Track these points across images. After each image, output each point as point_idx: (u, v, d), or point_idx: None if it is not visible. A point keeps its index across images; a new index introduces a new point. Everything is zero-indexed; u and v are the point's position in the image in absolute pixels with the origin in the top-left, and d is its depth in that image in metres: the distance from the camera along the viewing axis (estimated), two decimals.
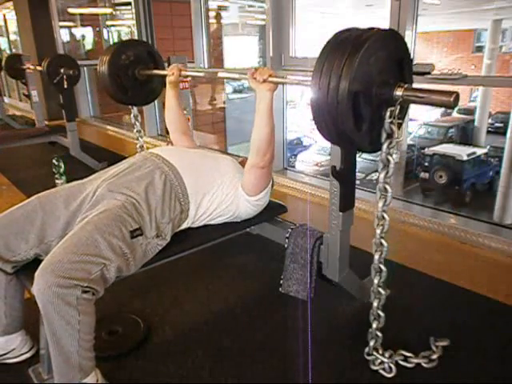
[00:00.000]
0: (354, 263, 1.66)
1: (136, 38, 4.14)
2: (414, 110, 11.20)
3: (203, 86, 7.70)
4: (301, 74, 2.60)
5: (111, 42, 5.57)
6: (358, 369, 1.40)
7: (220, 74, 1.69)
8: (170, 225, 1.43)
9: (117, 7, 5.62)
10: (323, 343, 1.51)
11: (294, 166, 8.72)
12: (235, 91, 9.74)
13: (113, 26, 5.71)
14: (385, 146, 1.14)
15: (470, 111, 11.60)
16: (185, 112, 2.24)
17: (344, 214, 1.53)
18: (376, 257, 1.32)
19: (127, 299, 1.80)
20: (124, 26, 5.88)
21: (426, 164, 8.54)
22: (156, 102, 4.31)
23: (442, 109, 13.23)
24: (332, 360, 1.44)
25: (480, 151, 8.71)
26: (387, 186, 1.20)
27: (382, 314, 1.36)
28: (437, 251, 1.95)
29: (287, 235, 1.72)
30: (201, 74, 2.00)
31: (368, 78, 1.03)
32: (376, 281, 1.33)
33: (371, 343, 1.39)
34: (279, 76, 1.46)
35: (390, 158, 1.16)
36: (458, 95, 0.99)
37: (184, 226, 1.52)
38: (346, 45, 1.02)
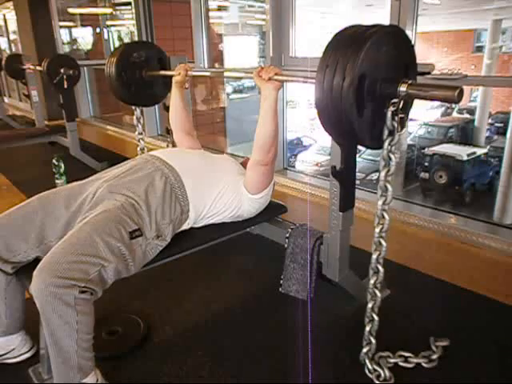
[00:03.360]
0: (353, 263, 1.66)
1: (136, 38, 4.14)
2: (414, 110, 11.20)
3: (203, 86, 7.69)
4: (301, 75, 2.60)
5: (111, 42, 5.56)
6: (358, 369, 1.39)
7: (226, 74, 1.68)
8: (170, 226, 1.43)
9: (117, 7, 5.62)
10: (323, 343, 1.51)
11: (294, 166, 8.72)
12: (235, 91, 9.75)
13: (113, 25, 5.70)
14: (386, 143, 1.13)
15: (470, 111, 11.60)
16: None
17: (344, 214, 1.53)
18: (374, 256, 1.30)
19: (127, 299, 1.80)
20: (124, 26, 5.88)
21: (426, 164, 8.54)
22: None
23: (442, 109, 13.26)
24: (332, 360, 1.44)
25: (480, 151, 8.71)
26: (388, 185, 1.20)
27: (376, 317, 1.34)
28: (437, 251, 1.95)
29: (287, 235, 1.72)
30: (207, 74, 1.99)
31: (372, 73, 1.03)
32: (373, 281, 1.32)
33: (364, 349, 1.37)
34: (284, 74, 1.45)
35: (391, 155, 1.15)
36: (462, 90, 0.99)
37: (184, 226, 1.52)
38: (351, 41, 1.03)
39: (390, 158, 1.16)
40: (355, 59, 0.99)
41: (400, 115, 1.09)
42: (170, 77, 1.95)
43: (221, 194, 1.55)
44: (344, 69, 0.99)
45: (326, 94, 1.03)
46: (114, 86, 2.11)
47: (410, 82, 1.06)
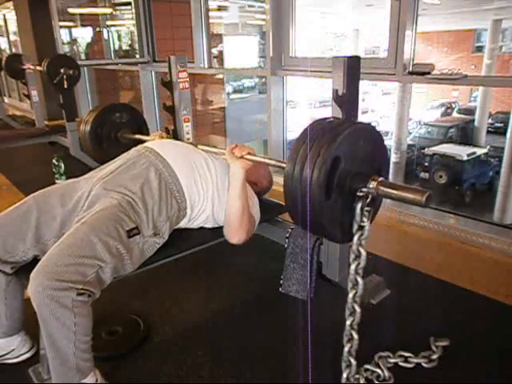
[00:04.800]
0: None
1: (136, 38, 4.15)
2: (414, 110, 11.22)
3: (204, 86, 7.69)
4: (300, 74, 2.60)
5: (111, 42, 5.56)
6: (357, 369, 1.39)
7: (200, 147, 1.70)
8: (167, 223, 1.43)
9: (117, 7, 5.62)
10: (323, 343, 1.51)
11: None
12: (235, 91, 9.74)
13: (113, 26, 5.71)
14: (356, 238, 1.11)
15: (470, 111, 11.60)
16: (184, 112, 2.23)
17: None
18: (346, 349, 1.22)
19: (127, 299, 1.80)
20: (124, 26, 5.88)
21: (426, 164, 8.55)
22: (156, 102, 4.33)
23: (443, 109, 13.26)
24: (332, 360, 1.44)
25: (480, 151, 8.72)
26: (358, 278, 1.17)
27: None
28: (437, 251, 1.95)
29: (287, 235, 1.72)
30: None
31: (344, 165, 1.03)
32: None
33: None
34: (257, 155, 1.47)
35: (361, 249, 1.13)
36: (430, 195, 0.98)
37: (182, 223, 1.52)
38: (322, 135, 1.02)
39: (360, 252, 1.13)
40: (324, 155, 0.98)
41: (367, 209, 1.07)
42: (144, 143, 1.95)
43: (214, 191, 1.54)
44: (313, 164, 0.99)
45: (295, 185, 1.02)
46: (87, 139, 2.08)
47: (380, 179, 1.05)
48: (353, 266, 1.15)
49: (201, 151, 1.67)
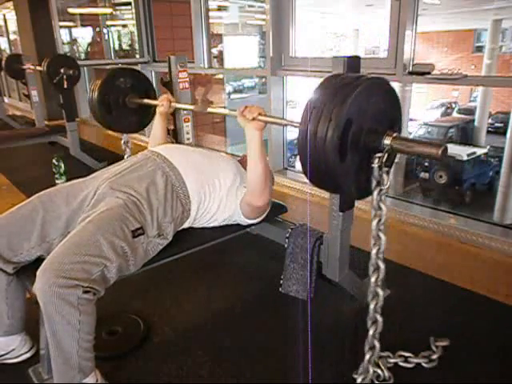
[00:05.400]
0: (353, 263, 1.66)
1: (136, 38, 4.15)
2: (414, 110, 11.22)
3: (204, 86, 7.69)
4: (300, 74, 2.60)
5: (111, 42, 5.56)
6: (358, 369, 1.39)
7: (209, 110, 1.67)
8: (172, 224, 1.43)
9: (117, 7, 5.62)
10: (323, 343, 1.51)
11: (294, 166, 8.70)
12: (236, 91, 9.75)
13: (113, 25, 5.70)
14: (375, 193, 1.10)
15: (470, 111, 11.60)
16: (184, 112, 2.24)
17: (344, 214, 1.53)
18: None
19: (127, 299, 1.80)
20: (124, 26, 5.88)
21: (426, 164, 8.53)
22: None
23: (443, 109, 13.26)
24: (332, 360, 1.44)
25: (480, 151, 8.71)
26: (381, 234, 1.15)
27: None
28: (437, 251, 1.95)
29: (287, 235, 1.72)
30: (191, 107, 1.98)
31: (356, 125, 1.02)
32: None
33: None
34: (268, 115, 1.44)
35: (381, 205, 1.11)
36: (446, 148, 0.98)
37: (186, 225, 1.53)
38: (335, 92, 1.01)
39: (381, 208, 1.11)
40: (339, 112, 0.97)
41: (385, 168, 1.06)
42: (152, 107, 1.94)
43: (220, 193, 1.54)
44: (328, 121, 0.97)
45: (309, 143, 1.01)
46: (95, 107, 2.07)
47: (394, 135, 1.04)
48: (374, 222, 1.13)
49: (207, 152, 1.67)
